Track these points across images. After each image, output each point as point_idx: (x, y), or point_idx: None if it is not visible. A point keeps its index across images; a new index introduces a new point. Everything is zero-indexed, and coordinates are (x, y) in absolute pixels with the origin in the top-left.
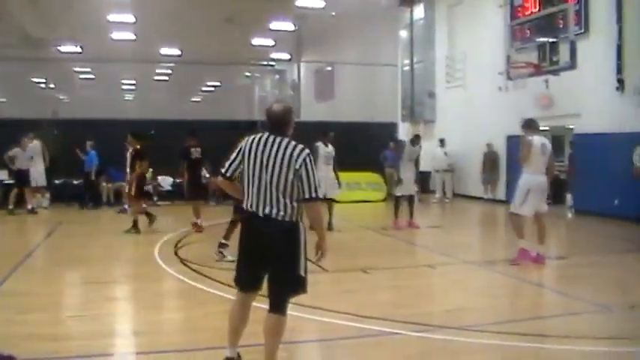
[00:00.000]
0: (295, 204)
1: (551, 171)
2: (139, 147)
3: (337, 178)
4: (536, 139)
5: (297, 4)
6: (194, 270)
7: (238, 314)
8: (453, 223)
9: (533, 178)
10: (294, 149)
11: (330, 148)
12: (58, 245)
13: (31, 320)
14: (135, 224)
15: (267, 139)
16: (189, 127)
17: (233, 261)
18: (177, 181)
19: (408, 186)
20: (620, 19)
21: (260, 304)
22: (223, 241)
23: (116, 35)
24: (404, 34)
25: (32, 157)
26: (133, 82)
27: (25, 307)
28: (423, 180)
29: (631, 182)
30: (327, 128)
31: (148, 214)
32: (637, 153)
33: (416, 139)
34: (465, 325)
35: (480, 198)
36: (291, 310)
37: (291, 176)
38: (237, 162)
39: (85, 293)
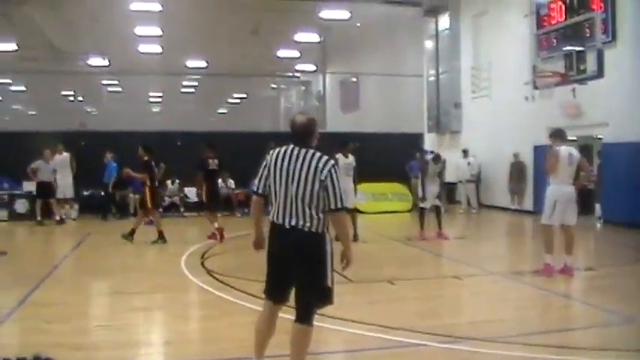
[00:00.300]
0: (321, 215)
1: (586, 177)
2: (146, 158)
3: (355, 188)
4: (563, 149)
5: (322, 15)
6: (220, 281)
7: (265, 325)
8: (479, 234)
9: (559, 189)
10: (319, 160)
11: (351, 158)
12: (85, 256)
13: (58, 329)
14: (160, 234)
15: (292, 152)
16: (208, 139)
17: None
18: (199, 191)
19: (432, 198)
20: None
21: (286, 314)
22: None
23: (143, 48)
24: (429, 44)
25: (55, 169)
26: (160, 94)
27: (53, 316)
28: (449, 191)
29: None
30: (350, 139)
31: (133, 231)
32: None
33: (437, 159)
34: (492, 337)
35: (507, 208)
36: (317, 321)
37: (317, 187)
38: (265, 177)
39: (112, 303)
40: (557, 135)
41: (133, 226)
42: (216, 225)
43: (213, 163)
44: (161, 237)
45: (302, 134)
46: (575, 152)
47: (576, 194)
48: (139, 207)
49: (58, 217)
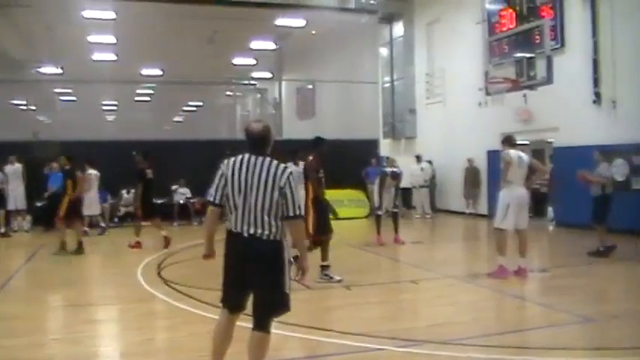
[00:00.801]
0: (280, 223)
1: (541, 174)
2: (68, 167)
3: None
4: (512, 153)
5: (278, 23)
6: (178, 290)
7: (222, 333)
8: (435, 239)
9: (511, 192)
10: (277, 168)
11: (302, 166)
12: (39, 268)
13: (12, 344)
14: (63, 246)
15: (248, 160)
16: (143, 149)
17: (340, 280)
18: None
19: (389, 204)
20: (595, 34)
21: (243, 322)
22: (323, 263)
23: (97, 56)
24: (384, 51)
25: (3, 180)
26: (115, 102)
27: (7, 331)
28: (405, 196)
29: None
30: (307, 146)
31: (79, 243)
32: (615, 165)
33: (395, 176)
34: (449, 340)
35: (462, 213)
36: (275, 328)
37: (276, 195)
38: (221, 186)
39: (68, 316)
40: (506, 140)
41: (77, 238)
42: (136, 239)
43: (149, 173)
44: (63, 248)
45: (258, 142)
46: (524, 155)
47: (529, 197)
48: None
49: (2, 230)
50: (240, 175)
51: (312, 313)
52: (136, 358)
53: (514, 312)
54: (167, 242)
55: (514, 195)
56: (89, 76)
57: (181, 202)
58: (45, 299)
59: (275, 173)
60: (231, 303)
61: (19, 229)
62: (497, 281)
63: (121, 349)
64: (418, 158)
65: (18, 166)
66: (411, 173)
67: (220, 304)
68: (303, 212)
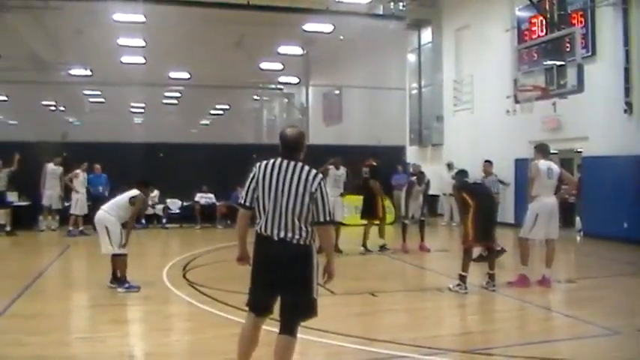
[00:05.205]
0: (310, 228)
1: (571, 187)
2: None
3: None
4: (542, 164)
5: (305, 28)
6: (203, 293)
7: (248, 337)
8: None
9: (540, 203)
10: (309, 173)
11: (341, 171)
12: (67, 267)
13: (39, 342)
14: None
15: (280, 164)
16: None
17: (466, 292)
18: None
19: (415, 212)
20: (627, 42)
21: (269, 326)
22: (463, 273)
23: (126, 59)
24: (412, 57)
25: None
26: (143, 105)
27: (33, 328)
28: (432, 203)
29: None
30: (336, 152)
31: None
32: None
33: (421, 180)
34: (473, 349)
35: None
36: (300, 333)
37: (307, 200)
38: (252, 189)
39: (94, 315)
40: (540, 149)
41: None
42: None
43: None
44: None
45: (293, 147)
46: (554, 166)
47: (558, 206)
48: None
49: (8, 228)
50: (271, 179)
51: (336, 319)
52: (160, 359)
53: (539, 322)
54: None
55: (543, 204)
56: (118, 78)
57: (202, 202)
58: (71, 298)
59: (307, 178)
60: (258, 306)
61: (47, 228)
62: (522, 291)
63: (145, 350)
64: (449, 166)
65: (58, 168)
66: (441, 179)
67: (246, 308)
68: (333, 218)
